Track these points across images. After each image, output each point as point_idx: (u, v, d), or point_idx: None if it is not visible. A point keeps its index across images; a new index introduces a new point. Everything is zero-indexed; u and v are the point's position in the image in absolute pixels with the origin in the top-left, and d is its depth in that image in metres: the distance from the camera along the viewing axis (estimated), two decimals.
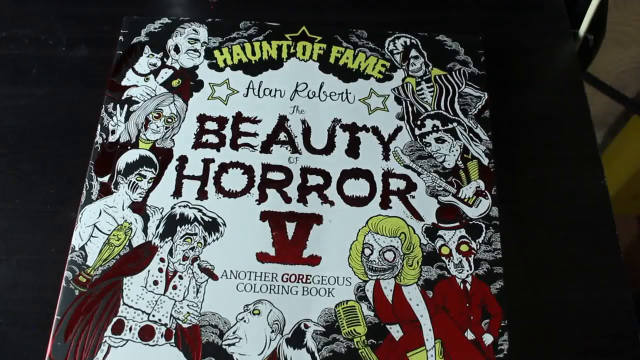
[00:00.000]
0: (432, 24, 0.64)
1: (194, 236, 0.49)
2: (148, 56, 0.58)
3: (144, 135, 0.54)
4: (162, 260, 0.49)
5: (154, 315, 0.47)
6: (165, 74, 0.57)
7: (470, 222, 0.51)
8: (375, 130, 0.55)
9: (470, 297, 0.48)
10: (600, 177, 0.57)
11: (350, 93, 0.57)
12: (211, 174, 0.52)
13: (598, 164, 0.58)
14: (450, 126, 0.55)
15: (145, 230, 0.50)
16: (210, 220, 0.50)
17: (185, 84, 0.56)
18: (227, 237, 0.50)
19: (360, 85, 0.57)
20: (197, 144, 0.53)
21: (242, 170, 0.53)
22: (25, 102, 0.59)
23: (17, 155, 0.56)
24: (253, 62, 0.58)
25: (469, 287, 0.49)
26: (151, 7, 0.65)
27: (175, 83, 0.56)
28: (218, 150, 0.53)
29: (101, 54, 0.60)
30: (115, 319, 0.46)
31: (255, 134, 0.54)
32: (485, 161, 0.54)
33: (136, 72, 0.57)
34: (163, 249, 0.49)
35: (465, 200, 0.52)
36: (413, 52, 0.59)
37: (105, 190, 0.51)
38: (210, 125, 0.54)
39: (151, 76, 0.57)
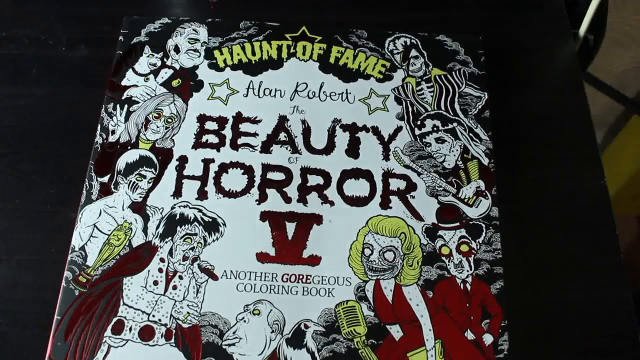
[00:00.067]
0: (432, 24, 0.64)
1: (194, 236, 0.49)
2: (148, 56, 0.58)
3: (144, 135, 0.54)
4: (162, 260, 0.49)
5: (154, 316, 0.47)
6: (165, 74, 0.57)
7: (471, 222, 0.51)
8: (375, 130, 0.55)
9: (470, 297, 0.48)
10: (600, 177, 0.57)
11: (350, 93, 0.57)
12: (211, 174, 0.52)
13: (598, 164, 0.58)
14: (450, 126, 0.55)
15: (145, 230, 0.50)
16: (210, 220, 0.50)
17: (185, 84, 0.56)
18: (227, 237, 0.50)
19: (360, 85, 0.57)
20: (197, 144, 0.53)
21: (242, 171, 0.53)
22: (25, 102, 0.59)
23: (17, 155, 0.56)
24: (253, 62, 0.58)
25: (469, 287, 0.49)
26: (151, 7, 0.65)
27: (175, 83, 0.56)
28: (218, 151, 0.53)
29: (101, 54, 0.60)
30: (115, 319, 0.46)
31: (255, 134, 0.54)
32: (485, 161, 0.54)
33: (136, 72, 0.57)
34: (163, 249, 0.49)
35: (466, 200, 0.52)
36: (413, 52, 0.59)
37: (105, 190, 0.51)
38: (210, 125, 0.54)
39: (151, 76, 0.57)
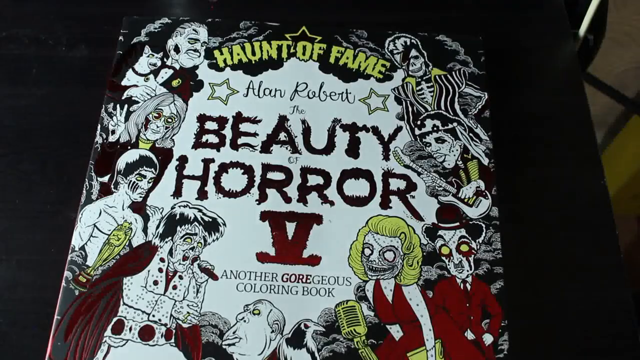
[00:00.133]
0: (432, 24, 0.64)
1: (194, 236, 0.49)
2: (148, 56, 0.58)
3: (144, 135, 0.54)
4: (162, 260, 0.49)
5: (154, 315, 0.47)
6: (165, 74, 0.57)
7: (470, 222, 0.51)
8: (375, 130, 0.55)
9: (470, 297, 0.48)
10: (600, 177, 0.57)
11: (350, 93, 0.57)
12: (211, 174, 0.52)
13: (598, 164, 0.58)
14: (450, 126, 0.55)
15: (145, 230, 0.50)
16: (210, 220, 0.50)
17: (185, 84, 0.56)
18: (227, 237, 0.50)
19: (360, 85, 0.57)
20: (197, 144, 0.53)
21: (242, 170, 0.53)
22: (25, 102, 0.59)
23: (17, 155, 0.56)
24: (253, 62, 0.58)
25: (469, 287, 0.49)
26: (151, 7, 0.65)
27: (175, 83, 0.56)
28: (218, 150, 0.53)
29: (101, 54, 0.60)
30: (115, 319, 0.46)
31: (255, 134, 0.54)
32: (485, 161, 0.54)
33: (136, 72, 0.57)
34: (163, 249, 0.49)
35: (466, 200, 0.52)
36: (413, 52, 0.59)
37: (105, 190, 0.51)
38: (210, 125, 0.54)
39: (151, 76, 0.57)
